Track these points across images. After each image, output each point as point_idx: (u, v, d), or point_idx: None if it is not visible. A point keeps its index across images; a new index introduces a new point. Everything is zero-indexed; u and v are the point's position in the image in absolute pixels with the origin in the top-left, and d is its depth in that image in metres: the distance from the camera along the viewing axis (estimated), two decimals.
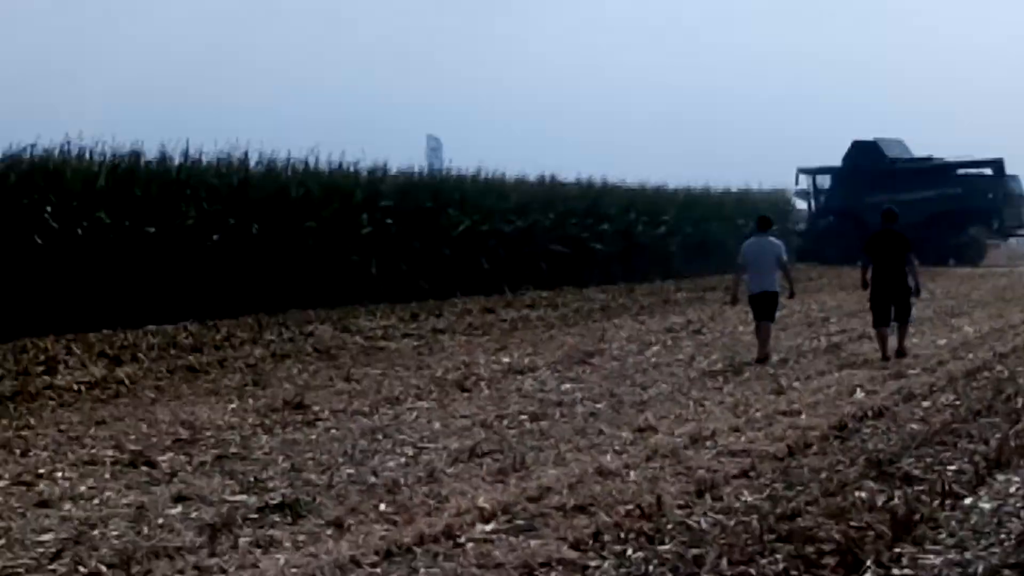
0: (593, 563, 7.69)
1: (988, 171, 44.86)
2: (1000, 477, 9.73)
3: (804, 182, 47.94)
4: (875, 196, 36.85)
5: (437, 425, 12.43)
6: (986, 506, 8.91)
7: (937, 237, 41.71)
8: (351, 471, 10.28)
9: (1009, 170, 44.76)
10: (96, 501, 9.33)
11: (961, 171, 45.31)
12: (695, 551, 7.81)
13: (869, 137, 45.63)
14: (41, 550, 8.05)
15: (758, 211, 43.52)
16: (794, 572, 7.48)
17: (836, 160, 47.62)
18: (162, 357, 17.61)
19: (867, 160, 44.54)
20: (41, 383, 15.29)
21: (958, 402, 13.48)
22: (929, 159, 45.70)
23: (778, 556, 7.72)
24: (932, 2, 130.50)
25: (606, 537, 8.18)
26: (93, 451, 11.23)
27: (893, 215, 17.98)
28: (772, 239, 17.82)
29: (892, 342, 17.02)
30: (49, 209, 20.34)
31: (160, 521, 8.64)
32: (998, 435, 11.25)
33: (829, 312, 23.32)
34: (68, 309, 20.31)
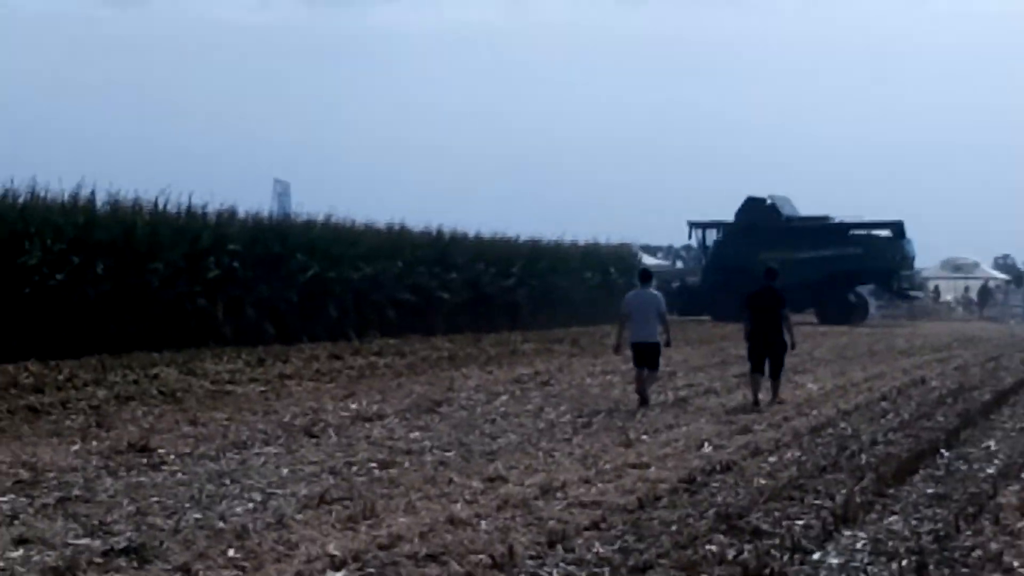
0: None
1: (887, 232, 46.60)
2: (847, 532, 9.79)
3: (693, 237, 49.48)
4: (770, 253, 37.30)
5: (285, 471, 12.32)
6: (834, 561, 8.99)
7: (831, 296, 44.38)
8: (198, 516, 10.12)
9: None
10: None
11: (859, 231, 46.70)
12: None
13: (757, 193, 47.19)
14: None
15: (604, 264, 44.64)
16: None
17: (695, 215, 49.10)
18: (2, 397, 17.02)
19: (762, 217, 45.49)
20: None
21: (803, 458, 13.71)
22: (826, 218, 46.93)
23: None
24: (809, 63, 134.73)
25: None
26: None
27: (774, 273, 18.78)
28: (653, 291, 18.56)
29: (764, 393, 18.28)
30: None
31: (1, 565, 8.37)
32: (843, 491, 11.41)
33: (676, 367, 23.65)
34: None
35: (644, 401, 17.55)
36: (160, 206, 26.07)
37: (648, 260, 51.33)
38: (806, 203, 49.39)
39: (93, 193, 24.64)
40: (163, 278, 24.42)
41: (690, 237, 49.62)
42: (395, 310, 32.35)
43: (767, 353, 18.15)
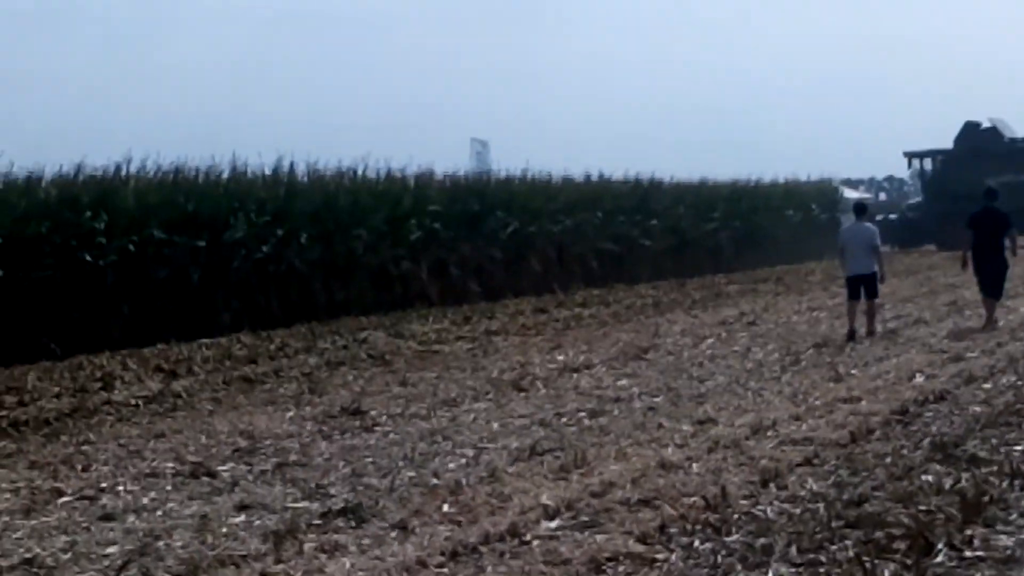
0: (660, 556, 7.68)
1: None
2: None
3: (912, 166, 49.50)
4: (995, 177, 35.79)
5: (495, 425, 12.45)
6: None
7: None
8: (412, 474, 10.30)
9: None
10: (159, 512, 9.36)
11: None
12: (763, 540, 7.80)
13: (981, 119, 45.98)
14: (107, 562, 8.09)
15: (805, 201, 44.01)
16: (865, 558, 7.37)
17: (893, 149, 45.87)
18: (217, 369, 17.74)
19: (982, 140, 44.34)
20: (99, 399, 15.42)
21: (1020, 383, 13.44)
22: None
23: (847, 542, 7.70)
24: None
25: (672, 529, 8.16)
26: (153, 464, 11.29)
27: (994, 193, 18.87)
28: (868, 224, 19.01)
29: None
30: (101, 227, 20.71)
31: (224, 530, 8.67)
32: None
33: (884, 299, 23.07)
34: (122, 325, 20.77)
35: (852, 335, 17.80)
36: (360, 173, 26.65)
37: (850, 194, 50.31)
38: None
39: (293, 165, 25.30)
40: (366, 244, 25.03)
41: (909, 167, 48.62)
42: (597, 260, 32.74)
43: (995, 275, 18.42)
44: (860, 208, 19.98)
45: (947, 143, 46.22)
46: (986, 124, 44.93)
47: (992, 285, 18.02)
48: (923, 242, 42.71)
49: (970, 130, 45.13)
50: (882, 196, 67.31)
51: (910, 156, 47.24)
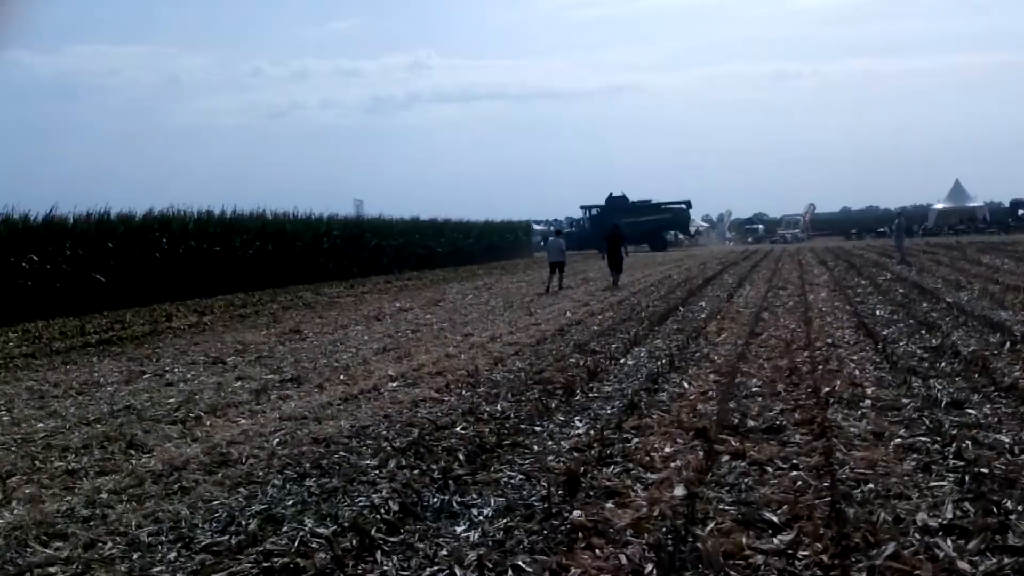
0: (446, 399, 8.73)
1: (683, 206, 65.88)
2: (636, 348, 11.44)
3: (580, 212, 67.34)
4: (623, 219, 49.05)
5: (366, 337, 14.38)
6: (631, 362, 10.42)
7: (654, 237, 60.67)
8: (324, 361, 11.57)
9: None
10: (196, 382, 10.56)
11: (669, 206, 65.35)
12: (495, 390, 8.98)
13: (616, 192, 64.81)
14: (169, 404, 9.25)
15: (514, 230, 58.36)
16: (543, 398, 8.47)
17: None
18: (226, 311, 20.67)
19: (618, 201, 63.11)
20: (164, 326, 17.78)
21: (614, 316, 15.97)
22: (649, 201, 65.19)
23: (536, 390, 8.89)
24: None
25: (451, 386, 9.37)
26: (192, 358, 12.92)
27: (618, 227, 25.88)
28: (560, 239, 24.78)
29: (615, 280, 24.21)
30: (164, 240, 23.66)
31: (229, 390, 9.87)
32: (634, 330, 13.31)
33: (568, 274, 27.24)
34: (175, 288, 23.65)
35: (548, 291, 22.88)
36: (294, 215, 31.25)
37: (537, 227, 68.59)
38: (640, 194, 67.48)
39: (265, 210, 30.59)
40: (302, 249, 29.75)
41: (582, 211, 65.75)
42: (416, 258, 39.84)
43: (615, 263, 24.00)
44: (558, 231, 29.26)
45: (600, 201, 64.79)
46: (618, 193, 64.61)
47: (615, 267, 23.91)
48: (586, 248, 56.81)
49: (611, 196, 64.13)
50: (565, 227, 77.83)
51: (583, 207, 66.49)
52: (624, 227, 28.14)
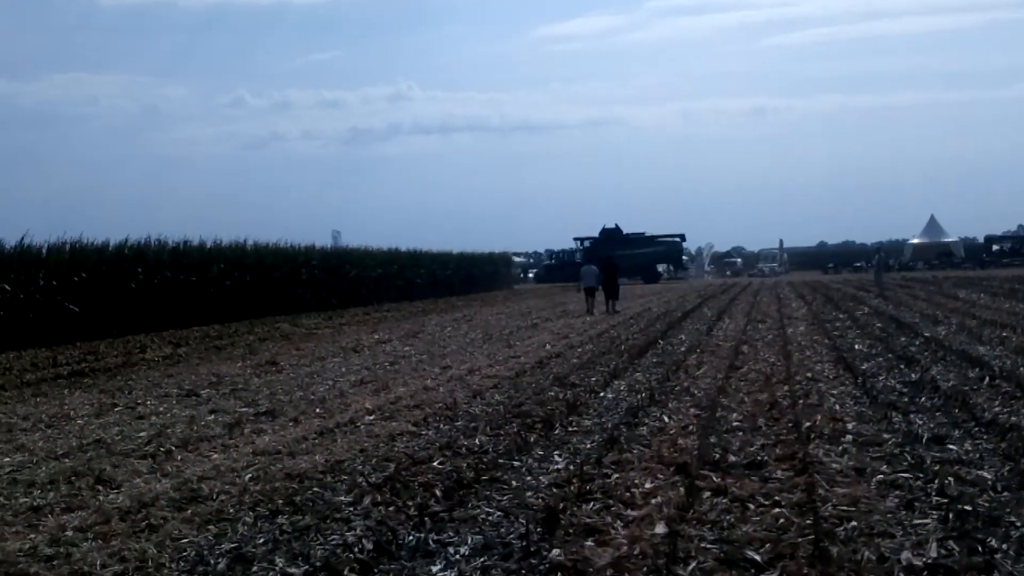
0: (423, 432, 8.75)
1: (678, 239, 66.76)
2: (615, 382, 11.50)
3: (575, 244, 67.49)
4: (620, 251, 49.07)
5: (343, 369, 14.57)
6: (610, 396, 10.43)
7: (647, 269, 60.31)
8: (300, 393, 11.65)
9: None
10: (168, 415, 10.53)
11: (663, 239, 65.62)
12: (473, 424, 8.97)
13: (610, 224, 66.73)
14: (140, 438, 9.19)
15: (494, 261, 58.00)
16: (522, 431, 8.45)
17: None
18: (202, 342, 20.11)
19: (611, 233, 64.29)
20: (137, 358, 17.89)
21: (595, 348, 15.95)
22: (643, 234, 65.49)
23: (514, 424, 8.81)
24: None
25: (429, 420, 9.40)
26: (165, 390, 12.98)
27: (612, 257, 27.06)
28: (592, 267, 25.60)
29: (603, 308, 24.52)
30: (139, 270, 23.37)
31: (202, 423, 9.92)
32: (613, 363, 13.24)
33: (533, 309, 28.02)
34: (150, 319, 23.31)
35: (590, 312, 23.98)
36: (274, 244, 34.35)
37: (518, 259, 70.02)
38: (633, 226, 68.04)
39: (246, 240, 30.41)
40: (280, 279, 29.61)
41: (575, 242, 66.23)
42: (395, 289, 39.53)
43: (611, 291, 24.35)
44: (589, 260, 30.63)
45: (594, 233, 65.21)
46: (612, 225, 66.09)
47: (611, 295, 24.55)
48: (570, 280, 55.80)
49: (605, 228, 65.51)
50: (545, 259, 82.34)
51: (576, 239, 67.43)
52: (617, 259, 28.49)
